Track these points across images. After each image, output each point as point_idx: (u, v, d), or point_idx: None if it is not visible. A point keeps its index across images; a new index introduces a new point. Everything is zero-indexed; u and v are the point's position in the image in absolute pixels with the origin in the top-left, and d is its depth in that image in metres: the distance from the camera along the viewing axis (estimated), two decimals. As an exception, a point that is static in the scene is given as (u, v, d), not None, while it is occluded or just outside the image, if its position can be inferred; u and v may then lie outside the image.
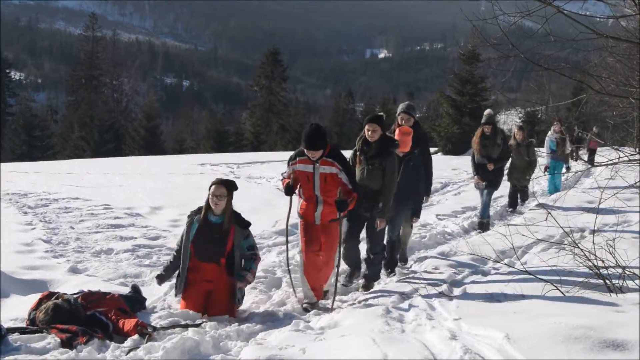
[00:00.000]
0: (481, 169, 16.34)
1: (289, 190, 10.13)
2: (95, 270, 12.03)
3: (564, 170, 20.86)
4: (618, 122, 15.73)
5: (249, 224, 9.72)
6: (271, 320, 9.07)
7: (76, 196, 20.70)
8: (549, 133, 21.12)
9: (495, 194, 17.52)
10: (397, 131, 11.71)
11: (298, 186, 10.25)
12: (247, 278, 9.45)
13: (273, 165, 32.65)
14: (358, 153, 10.87)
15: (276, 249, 13.50)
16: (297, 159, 10.04)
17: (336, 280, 10.18)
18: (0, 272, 10.52)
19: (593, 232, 9.68)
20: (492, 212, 17.58)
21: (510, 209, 19.22)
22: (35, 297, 9.27)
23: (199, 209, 9.59)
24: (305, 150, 9.71)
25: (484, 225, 16.36)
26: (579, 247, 9.07)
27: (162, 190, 22.19)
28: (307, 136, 9.60)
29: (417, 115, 12.69)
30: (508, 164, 17.91)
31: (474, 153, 16.68)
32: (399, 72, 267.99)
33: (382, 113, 11.07)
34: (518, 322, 6.70)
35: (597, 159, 25.43)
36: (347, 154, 10.84)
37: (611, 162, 9.70)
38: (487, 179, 16.29)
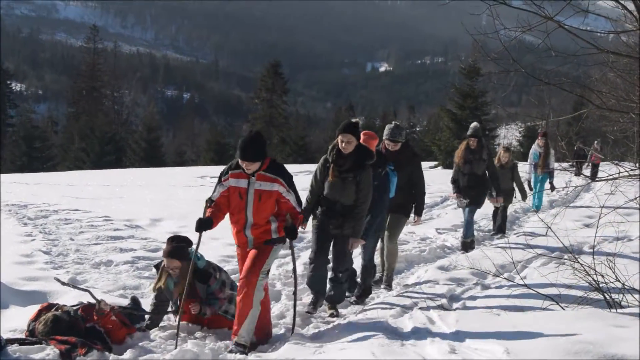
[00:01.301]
0: (464, 185, 15.42)
1: (203, 225, 8.64)
2: (94, 281, 12.03)
3: (547, 186, 19.92)
4: (618, 137, 15.70)
5: (208, 276, 9.37)
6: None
7: (76, 207, 20.74)
8: (534, 146, 20.79)
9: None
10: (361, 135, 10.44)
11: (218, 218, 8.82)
12: (207, 311, 9.19)
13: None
14: (330, 165, 9.95)
15: (276, 262, 13.50)
16: (229, 173, 8.79)
17: (294, 304, 9.37)
18: (0, 283, 10.53)
19: (593, 247, 9.69)
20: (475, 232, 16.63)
21: (497, 235, 17.37)
22: (34, 309, 9.27)
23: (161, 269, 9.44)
24: (239, 161, 8.47)
25: (467, 245, 15.35)
26: (578, 262, 9.04)
27: (162, 202, 22.23)
28: (242, 144, 8.38)
29: (404, 136, 11.88)
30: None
31: (456, 168, 15.71)
32: (400, 86, 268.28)
33: (357, 119, 10.19)
34: (518, 336, 6.71)
35: (599, 174, 25.38)
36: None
37: (611, 177, 9.72)
38: (469, 195, 15.38)
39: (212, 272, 9.43)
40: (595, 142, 28.10)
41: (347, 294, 10.95)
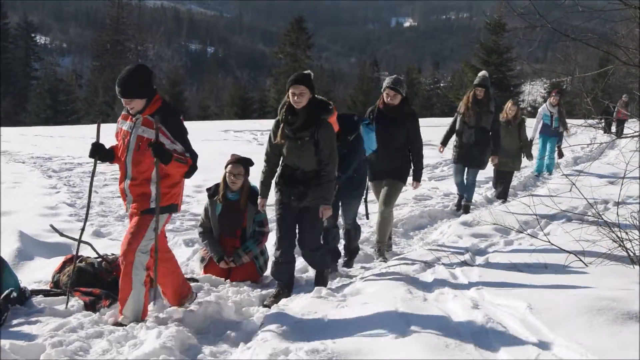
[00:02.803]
0: (467, 141, 14.07)
1: (97, 151, 7.69)
2: (118, 234, 12.11)
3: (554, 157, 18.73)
4: (645, 94, 15.53)
5: None
6: (293, 286, 9.09)
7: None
8: (544, 105, 18.93)
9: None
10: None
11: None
12: (243, 259, 9.50)
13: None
14: (281, 125, 8.45)
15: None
16: (122, 112, 7.65)
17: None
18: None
19: (617, 204, 9.65)
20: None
21: (500, 200, 15.97)
22: (59, 260, 9.36)
23: (217, 186, 9.70)
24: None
25: (468, 208, 14.43)
26: (602, 219, 9.02)
27: (185, 156, 22.22)
28: (119, 77, 7.37)
29: (405, 90, 10.68)
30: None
31: (458, 119, 14.32)
32: (424, 41, 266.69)
33: (308, 71, 8.53)
34: (541, 292, 6.69)
35: (626, 130, 24.92)
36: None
37: (637, 133, 9.66)
38: (471, 155, 14.08)
39: None
40: (624, 96, 27.20)
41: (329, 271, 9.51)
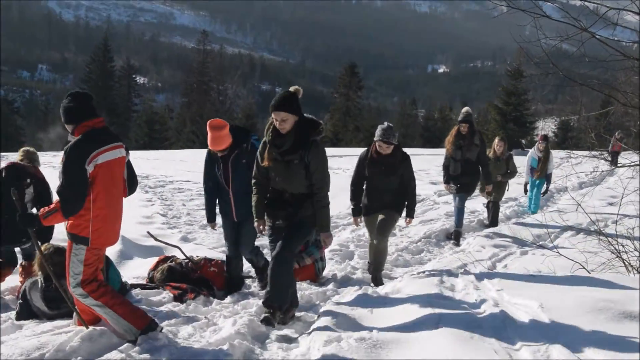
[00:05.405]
0: (455, 173, 12.97)
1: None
2: (202, 239, 12.30)
3: (543, 189, 16.84)
4: (640, 130, 15.41)
5: None
6: (345, 285, 9.13)
7: (187, 179, 21.05)
8: (532, 149, 16.98)
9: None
10: (207, 126, 8.22)
11: None
12: (306, 261, 9.54)
13: (349, 158, 32.54)
14: (267, 147, 6.91)
15: (349, 228, 13.53)
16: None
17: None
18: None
19: (615, 221, 9.63)
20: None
21: (491, 228, 14.37)
22: (153, 260, 9.51)
23: None
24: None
25: (458, 234, 13.13)
26: (603, 234, 9.08)
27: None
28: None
29: (396, 138, 9.36)
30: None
31: (446, 154, 13.23)
32: (455, 85, 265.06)
33: (293, 89, 6.95)
34: (550, 294, 6.66)
35: (621, 160, 24.51)
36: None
37: (633, 163, 9.78)
38: (461, 182, 12.97)
39: None
40: (617, 132, 26.65)
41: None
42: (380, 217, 9.52)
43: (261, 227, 7.19)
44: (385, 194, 9.49)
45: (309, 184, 6.84)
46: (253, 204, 7.18)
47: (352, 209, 9.90)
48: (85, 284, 6.09)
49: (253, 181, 7.21)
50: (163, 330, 6.26)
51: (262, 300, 7.02)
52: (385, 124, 9.38)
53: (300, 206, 6.90)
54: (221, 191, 8.57)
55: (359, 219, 9.84)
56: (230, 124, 8.39)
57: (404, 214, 9.79)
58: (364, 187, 9.76)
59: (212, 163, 8.57)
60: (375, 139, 9.35)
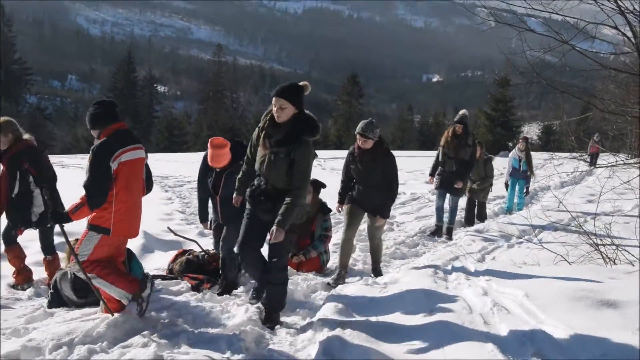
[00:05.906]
0: (449, 170, 12.61)
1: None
2: (217, 235, 12.24)
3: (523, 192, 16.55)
4: (616, 134, 15.40)
5: (329, 210, 9.83)
6: (347, 276, 9.11)
7: (204, 180, 21.01)
8: (514, 151, 16.72)
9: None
10: (209, 143, 8.11)
11: None
12: (311, 254, 9.53)
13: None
14: (262, 133, 6.43)
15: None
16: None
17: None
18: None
19: (594, 217, 9.64)
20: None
21: (466, 224, 14.36)
22: (172, 253, 9.51)
23: None
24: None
25: (450, 230, 12.78)
26: (582, 228, 9.19)
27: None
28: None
29: (376, 134, 8.78)
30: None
31: (440, 151, 12.86)
32: (448, 93, 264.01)
33: (304, 83, 6.48)
34: (535, 284, 6.67)
35: (599, 161, 24.41)
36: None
37: (610, 164, 9.83)
38: (451, 183, 12.55)
39: (330, 209, 9.70)
40: (595, 135, 26.47)
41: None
42: (369, 219, 9.21)
43: (238, 202, 6.92)
44: (371, 190, 8.92)
45: (288, 180, 6.18)
46: (237, 180, 6.93)
47: (338, 197, 9.34)
48: (84, 262, 6.19)
49: (245, 159, 6.89)
50: (155, 282, 6.30)
51: (265, 319, 6.53)
52: (369, 119, 8.96)
53: (276, 204, 6.20)
54: (210, 196, 8.45)
55: (340, 207, 9.30)
56: (232, 140, 8.30)
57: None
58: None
59: (206, 172, 8.44)
60: (355, 132, 8.90)
